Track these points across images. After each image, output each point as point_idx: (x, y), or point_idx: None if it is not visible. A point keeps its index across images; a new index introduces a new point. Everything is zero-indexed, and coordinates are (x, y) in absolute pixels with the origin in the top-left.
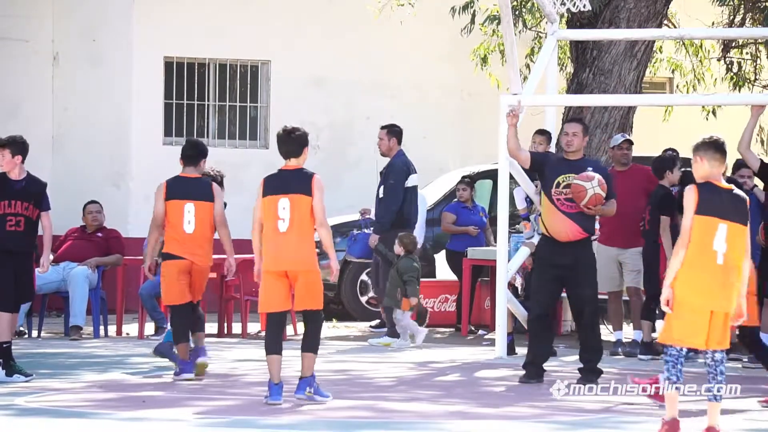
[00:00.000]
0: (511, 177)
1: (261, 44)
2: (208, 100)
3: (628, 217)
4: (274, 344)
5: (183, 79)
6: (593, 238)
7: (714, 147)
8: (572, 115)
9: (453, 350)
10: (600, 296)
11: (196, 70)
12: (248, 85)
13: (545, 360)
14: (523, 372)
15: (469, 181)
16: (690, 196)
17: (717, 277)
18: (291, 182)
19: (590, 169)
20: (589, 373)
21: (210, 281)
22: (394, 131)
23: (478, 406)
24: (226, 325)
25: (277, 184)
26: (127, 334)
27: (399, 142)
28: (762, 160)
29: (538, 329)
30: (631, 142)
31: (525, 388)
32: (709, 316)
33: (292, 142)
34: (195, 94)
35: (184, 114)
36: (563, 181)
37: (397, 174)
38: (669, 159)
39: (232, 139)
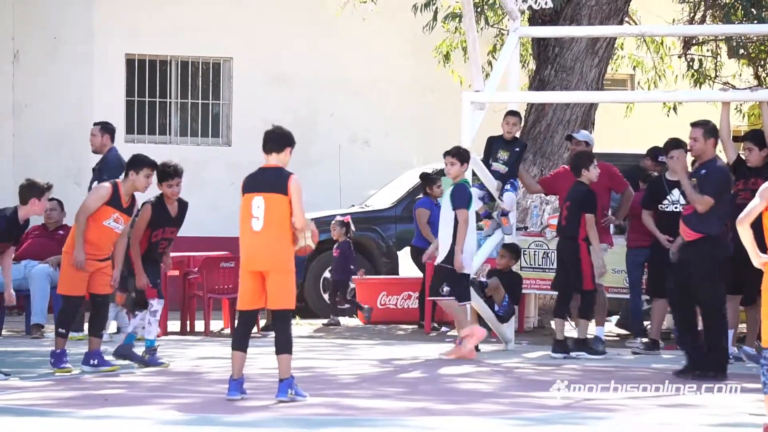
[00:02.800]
0: (473, 174)
1: (223, 41)
2: (170, 98)
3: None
4: (240, 341)
5: (144, 77)
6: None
7: None
8: (698, 120)
9: (416, 347)
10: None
11: (158, 68)
12: (210, 83)
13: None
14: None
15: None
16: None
17: None
18: (267, 181)
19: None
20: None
21: (173, 278)
22: (107, 128)
23: (441, 402)
24: (188, 322)
25: (253, 183)
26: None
27: (112, 140)
28: (739, 155)
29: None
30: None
31: (487, 386)
32: None
33: (277, 137)
34: (157, 91)
35: (146, 111)
36: None
37: (111, 170)
38: (586, 156)
39: (194, 137)
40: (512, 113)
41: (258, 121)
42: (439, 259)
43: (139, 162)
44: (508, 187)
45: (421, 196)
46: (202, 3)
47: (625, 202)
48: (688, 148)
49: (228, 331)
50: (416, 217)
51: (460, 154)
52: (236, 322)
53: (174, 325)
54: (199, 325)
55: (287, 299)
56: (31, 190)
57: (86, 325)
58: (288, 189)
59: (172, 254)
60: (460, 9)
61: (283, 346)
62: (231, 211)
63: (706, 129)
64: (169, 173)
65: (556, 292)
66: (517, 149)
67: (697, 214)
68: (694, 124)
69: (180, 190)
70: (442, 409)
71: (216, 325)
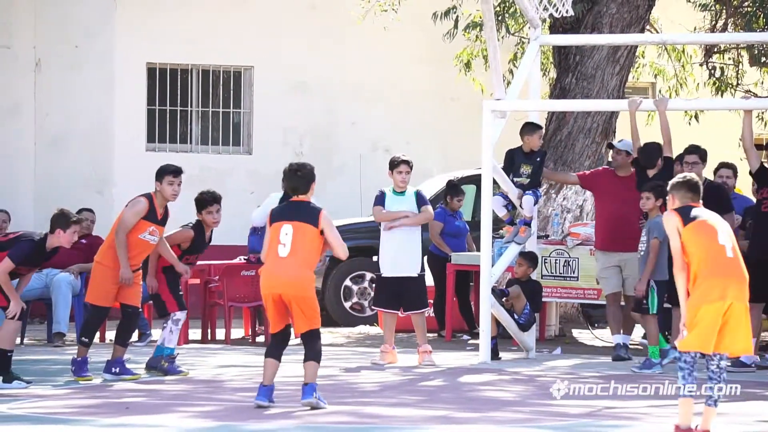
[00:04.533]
0: (495, 182)
1: (244, 50)
2: (191, 106)
3: (628, 222)
4: (274, 349)
5: (166, 85)
6: None
7: (686, 187)
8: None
9: (436, 355)
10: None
11: (179, 76)
12: (231, 91)
13: None
14: None
15: (462, 191)
16: (671, 220)
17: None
18: (296, 211)
19: None
20: None
21: (194, 287)
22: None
23: (462, 411)
24: (209, 331)
25: (282, 213)
26: (110, 340)
27: None
28: (763, 164)
29: None
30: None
31: (509, 395)
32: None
33: (299, 179)
34: (178, 100)
35: (167, 120)
36: None
37: None
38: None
39: (215, 145)
40: (530, 124)
41: (279, 129)
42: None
43: (161, 171)
44: (528, 192)
45: (439, 205)
46: (223, 12)
47: None
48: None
49: (249, 339)
50: (430, 228)
51: None
52: (271, 338)
53: (195, 334)
54: (220, 334)
55: (313, 320)
56: (57, 220)
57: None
58: (319, 222)
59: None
60: (480, 17)
61: (312, 355)
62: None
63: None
64: (206, 200)
65: (577, 301)
66: (539, 160)
67: None
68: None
69: (220, 217)
70: (463, 417)
71: (237, 333)
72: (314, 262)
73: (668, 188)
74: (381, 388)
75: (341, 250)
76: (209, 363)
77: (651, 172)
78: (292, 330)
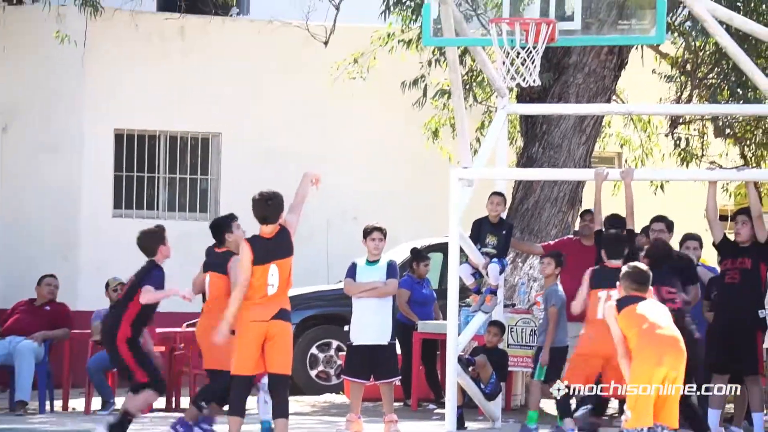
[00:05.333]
0: (462, 250)
1: (212, 116)
2: (159, 172)
3: None
4: (238, 405)
5: (133, 151)
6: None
7: (631, 278)
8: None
9: (403, 425)
10: None
11: (147, 142)
12: (199, 157)
13: None
14: None
15: (427, 257)
16: (609, 312)
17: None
18: (276, 249)
19: None
20: None
21: (158, 354)
22: None
23: None
24: (174, 398)
25: (264, 254)
26: (74, 409)
27: None
28: (725, 235)
29: None
30: (592, 214)
31: None
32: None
33: (269, 208)
34: (145, 166)
35: (134, 186)
36: None
37: None
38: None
39: (182, 211)
40: (497, 193)
41: (246, 196)
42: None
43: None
44: (494, 260)
45: (406, 273)
46: (192, 78)
47: None
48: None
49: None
50: (397, 296)
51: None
52: (232, 387)
53: (159, 402)
54: (186, 402)
55: (287, 364)
56: (151, 240)
57: None
58: (292, 243)
59: (158, 330)
60: (448, 86)
61: (281, 410)
62: None
63: None
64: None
65: None
66: (504, 232)
67: None
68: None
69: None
70: None
71: None
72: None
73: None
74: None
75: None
76: None
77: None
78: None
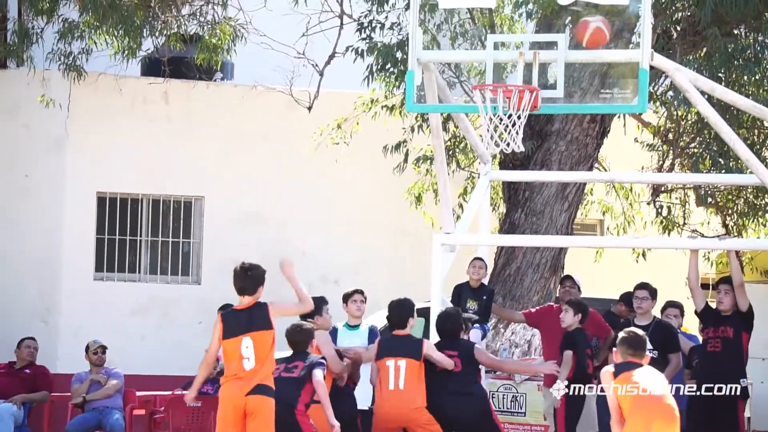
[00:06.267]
0: None
1: (194, 180)
2: (141, 236)
3: None
4: None
5: (116, 215)
6: None
7: (627, 343)
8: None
9: None
10: None
11: (129, 206)
12: (181, 221)
13: None
14: None
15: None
16: (606, 378)
17: None
18: (250, 320)
19: None
20: None
21: (138, 417)
22: None
23: None
24: None
25: (236, 325)
26: None
27: None
28: (707, 303)
29: None
30: (573, 280)
31: None
32: None
33: (248, 279)
34: (128, 229)
35: (116, 249)
36: None
37: None
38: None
39: (164, 275)
40: (478, 259)
41: (229, 259)
42: None
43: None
44: (476, 326)
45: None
46: (174, 141)
47: (604, 346)
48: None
49: None
50: None
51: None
52: None
53: None
54: None
55: None
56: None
57: None
58: (270, 318)
59: (138, 393)
60: (431, 151)
61: None
62: (200, 350)
63: None
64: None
65: None
66: (485, 297)
67: None
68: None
69: None
70: None
71: None
72: (272, 369)
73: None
74: None
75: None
76: None
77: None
78: None
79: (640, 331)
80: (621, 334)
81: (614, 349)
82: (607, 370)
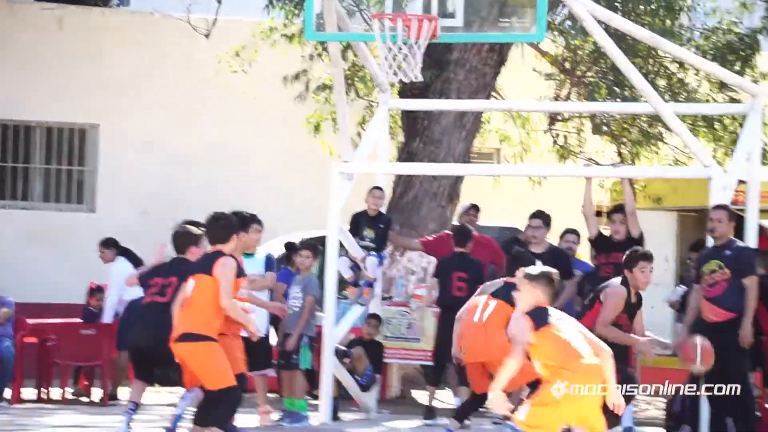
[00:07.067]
0: (340, 244)
1: (89, 108)
2: (34, 163)
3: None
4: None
5: (8, 142)
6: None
7: (545, 279)
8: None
9: (277, 416)
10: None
11: (22, 133)
12: (75, 149)
13: None
14: None
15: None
16: (522, 324)
17: None
18: (199, 264)
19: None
20: None
21: (30, 345)
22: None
23: None
24: (45, 390)
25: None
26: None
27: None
28: (600, 231)
29: None
30: (477, 209)
31: None
32: None
33: (218, 228)
34: (20, 156)
35: (8, 177)
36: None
37: None
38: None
39: (58, 203)
40: (376, 188)
41: (124, 188)
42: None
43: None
44: (372, 253)
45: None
46: (69, 69)
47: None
48: (710, 228)
49: (85, 399)
50: (274, 289)
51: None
52: None
53: (30, 393)
54: (56, 393)
55: (206, 378)
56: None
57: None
58: (213, 270)
59: (30, 321)
60: (330, 80)
61: (200, 417)
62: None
63: (730, 212)
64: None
65: (419, 362)
66: (383, 225)
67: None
68: (716, 207)
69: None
70: None
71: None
72: (210, 311)
73: (530, 277)
74: None
75: (224, 299)
76: (46, 423)
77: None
78: None
79: (554, 271)
80: (540, 271)
81: (528, 284)
82: (524, 318)
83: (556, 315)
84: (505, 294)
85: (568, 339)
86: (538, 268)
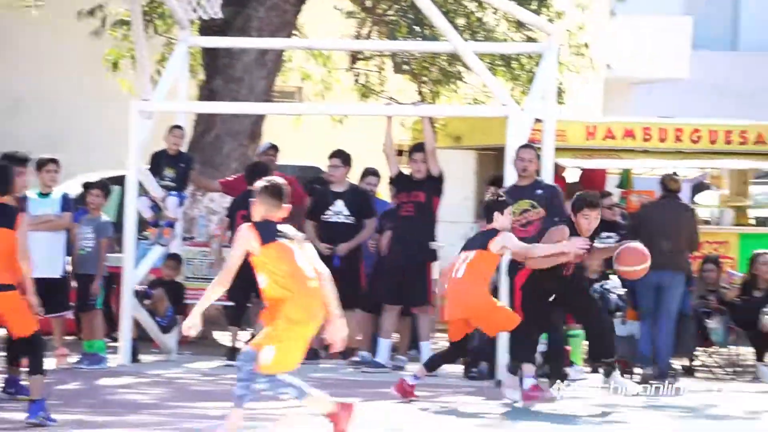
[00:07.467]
0: (140, 184)
1: None
2: None
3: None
4: None
5: None
6: None
7: (269, 192)
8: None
9: (74, 359)
10: None
11: None
12: None
13: None
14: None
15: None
16: (247, 236)
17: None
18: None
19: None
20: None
21: None
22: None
23: (98, 414)
24: None
25: None
26: None
27: None
28: (401, 170)
29: None
30: (276, 149)
31: (147, 398)
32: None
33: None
34: None
35: None
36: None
37: None
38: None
39: None
40: (176, 127)
41: None
42: None
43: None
44: (173, 193)
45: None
46: None
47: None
48: (521, 168)
49: None
50: (70, 230)
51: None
52: None
53: None
54: None
55: (19, 325)
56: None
57: None
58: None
59: None
60: (128, 16)
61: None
62: None
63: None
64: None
65: (220, 303)
66: (183, 165)
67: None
68: (525, 146)
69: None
70: (98, 422)
71: None
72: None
73: (258, 190)
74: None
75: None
76: None
77: None
78: None
79: (280, 180)
80: (262, 184)
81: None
82: (249, 230)
83: (288, 234)
84: (482, 242)
85: (295, 259)
86: (267, 179)
